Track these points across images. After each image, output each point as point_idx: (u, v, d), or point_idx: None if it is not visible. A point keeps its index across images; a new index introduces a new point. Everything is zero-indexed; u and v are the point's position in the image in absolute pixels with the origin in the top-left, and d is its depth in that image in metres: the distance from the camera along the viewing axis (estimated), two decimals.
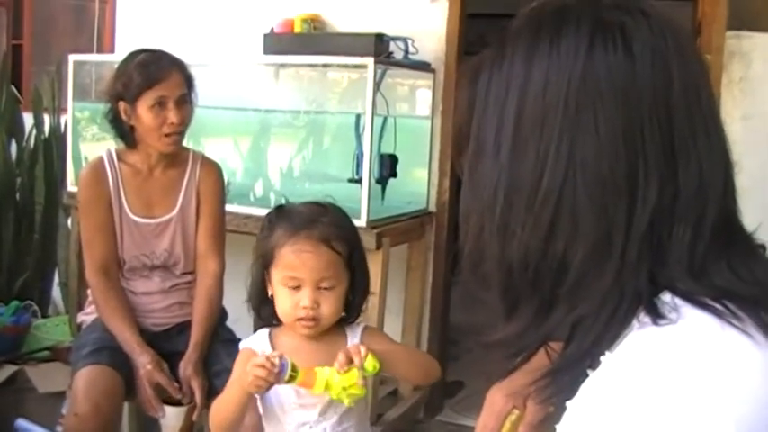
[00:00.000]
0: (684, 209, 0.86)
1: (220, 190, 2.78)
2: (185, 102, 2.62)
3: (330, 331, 1.86)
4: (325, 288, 1.80)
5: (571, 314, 0.90)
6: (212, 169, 2.78)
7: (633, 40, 0.87)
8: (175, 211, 2.69)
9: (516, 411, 1.38)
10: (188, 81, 2.64)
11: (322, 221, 1.83)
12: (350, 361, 1.67)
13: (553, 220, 0.87)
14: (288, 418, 1.84)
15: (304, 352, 1.79)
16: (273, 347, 1.84)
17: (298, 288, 1.79)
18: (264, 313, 1.89)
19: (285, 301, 1.81)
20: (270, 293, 1.85)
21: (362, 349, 1.70)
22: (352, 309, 1.90)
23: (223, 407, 1.84)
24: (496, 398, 1.39)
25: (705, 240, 0.87)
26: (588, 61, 0.87)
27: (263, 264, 1.85)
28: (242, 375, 1.75)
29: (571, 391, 0.87)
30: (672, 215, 0.86)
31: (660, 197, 0.86)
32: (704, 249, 0.87)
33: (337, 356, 1.68)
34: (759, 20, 3.40)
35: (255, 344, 1.88)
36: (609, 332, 0.88)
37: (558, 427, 0.88)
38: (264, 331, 1.90)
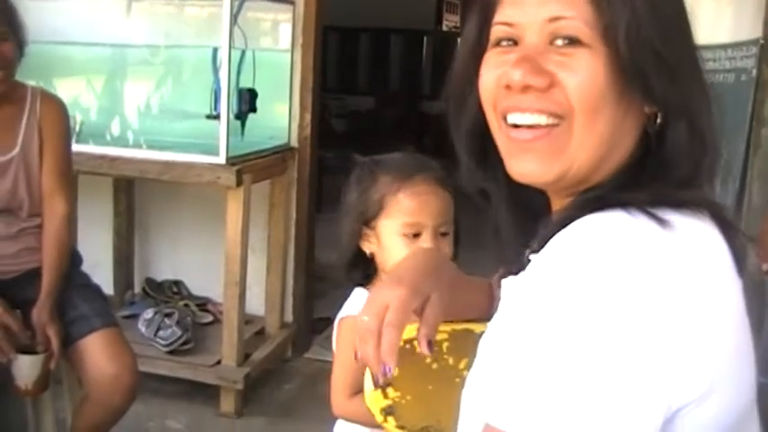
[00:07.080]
0: None
1: (64, 126, 2.63)
2: (4, 39, 2.42)
3: None
4: (443, 234, 1.66)
5: None
6: (54, 105, 2.62)
7: None
8: (16, 150, 2.53)
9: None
10: (6, 17, 2.44)
11: (431, 165, 1.70)
12: None
13: None
14: None
15: None
16: None
17: (416, 236, 1.63)
18: (357, 275, 1.72)
19: (402, 252, 1.57)
20: (369, 252, 1.69)
21: None
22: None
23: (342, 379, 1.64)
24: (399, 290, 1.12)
25: None
26: None
27: (364, 219, 1.68)
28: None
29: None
30: None
31: None
32: None
33: None
34: None
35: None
36: None
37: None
38: (362, 293, 1.71)
